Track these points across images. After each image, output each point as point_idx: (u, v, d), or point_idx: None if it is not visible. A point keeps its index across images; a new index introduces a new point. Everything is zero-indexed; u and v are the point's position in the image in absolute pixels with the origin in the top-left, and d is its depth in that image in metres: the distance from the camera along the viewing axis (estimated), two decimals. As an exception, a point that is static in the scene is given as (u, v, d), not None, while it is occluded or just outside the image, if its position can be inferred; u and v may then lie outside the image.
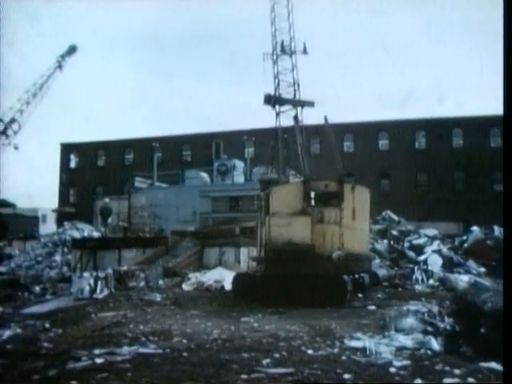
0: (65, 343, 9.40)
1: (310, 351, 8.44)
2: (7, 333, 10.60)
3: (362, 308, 13.69)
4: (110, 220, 34.01)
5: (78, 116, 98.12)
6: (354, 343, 8.83)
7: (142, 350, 8.65)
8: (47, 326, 11.38)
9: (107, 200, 35.87)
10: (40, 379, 7.01)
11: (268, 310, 12.90)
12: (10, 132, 46.61)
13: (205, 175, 40.59)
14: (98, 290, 16.37)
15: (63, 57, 48.53)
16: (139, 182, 41.19)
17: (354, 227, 14.96)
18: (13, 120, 46.57)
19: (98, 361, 7.87)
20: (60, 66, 48.51)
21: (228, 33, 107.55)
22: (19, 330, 10.95)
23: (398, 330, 9.45)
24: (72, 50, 48.92)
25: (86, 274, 17.22)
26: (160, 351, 8.55)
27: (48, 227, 45.54)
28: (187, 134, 55.15)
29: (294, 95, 28.94)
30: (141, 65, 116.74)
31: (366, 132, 51.91)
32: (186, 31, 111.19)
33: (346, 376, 6.89)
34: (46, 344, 9.43)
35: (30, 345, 9.43)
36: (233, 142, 50.01)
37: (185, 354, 8.30)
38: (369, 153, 50.92)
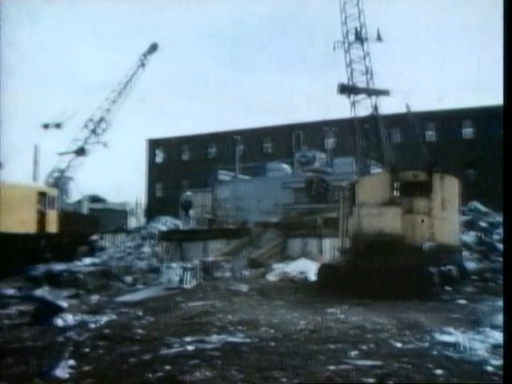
0: (157, 330, 9.79)
1: (398, 344, 8.29)
2: (104, 318, 11.22)
3: (451, 301, 13.24)
4: (191, 212, 34.95)
5: (162, 112, 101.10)
6: (445, 338, 8.56)
7: (231, 338, 8.86)
8: (140, 313, 11.90)
9: (188, 193, 36.86)
10: (136, 362, 7.37)
11: (353, 301, 12.78)
12: (99, 130, 48.89)
13: (286, 167, 40.69)
14: (186, 280, 16.89)
15: (145, 55, 50.10)
16: (222, 175, 41.96)
17: (443, 218, 14.53)
18: (101, 119, 48.80)
19: (189, 348, 8.14)
20: (143, 65, 50.15)
21: (301, 24, 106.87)
22: (114, 317, 11.53)
23: (493, 327, 9.05)
24: (153, 48, 50.40)
25: (174, 265, 17.82)
26: (248, 340, 8.72)
27: (136, 220, 47.42)
28: (268, 127, 55.37)
29: (368, 84, 28.29)
30: (221, 59, 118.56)
31: (448, 120, 49.83)
32: (263, 24, 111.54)
33: (438, 372, 6.70)
34: (139, 330, 9.87)
35: (125, 330, 9.91)
36: (313, 132, 49.71)
37: (272, 344, 8.41)
38: (452, 141, 48.87)
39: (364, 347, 8.03)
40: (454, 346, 8.00)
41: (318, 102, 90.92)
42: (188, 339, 8.67)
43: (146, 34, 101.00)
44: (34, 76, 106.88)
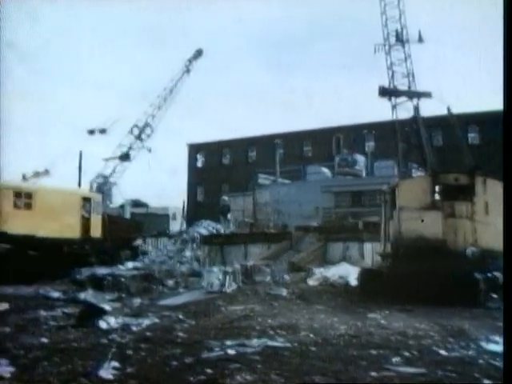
0: (198, 334, 9.88)
1: (442, 352, 8.11)
2: (146, 321, 11.40)
3: (498, 309, 12.87)
4: (229, 216, 35.13)
5: (204, 116, 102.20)
6: (493, 347, 8.31)
7: (271, 343, 8.86)
8: (181, 317, 12.03)
9: (225, 198, 37.08)
10: (178, 365, 7.45)
11: (395, 306, 12.60)
12: (143, 136, 49.66)
13: (326, 170, 40.48)
14: (227, 284, 16.99)
15: (190, 61, 50.62)
16: (263, 179, 42.08)
17: (487, 222, 14.14)
18: (146, 124, 49.54)
19: (230, 352, 8.18)
20: (188, 70, 50.67)
21: (342, 27, 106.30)
22: (156, 320, 11.69)
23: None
24: (198, 53, 50.89)
25: (215, 269, 17.96)
26: (288, 345, 8.71)
27: (178, 225, 47.97)
28: (308, 130, 55.20)
29: (409, 86, 27.90)
30: (262, 63, 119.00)
31: (491, 122, 48.47)
32: (302, 28, 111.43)
33: (486, 382, 6.50)
34: (181, 334, 9.97)
35: (167, 333, 10.04)
36: (353, 136, 49.32)
37: (313, 349, 8.38)
38: (497, 144, 47.43)
39: (407, 354, 7.90)
40: (503, 355, 7.73)
41: (358, 104, 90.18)
42: (229, 343, 8.72)
43: (190, 38, 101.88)
44: (78, 82, 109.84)
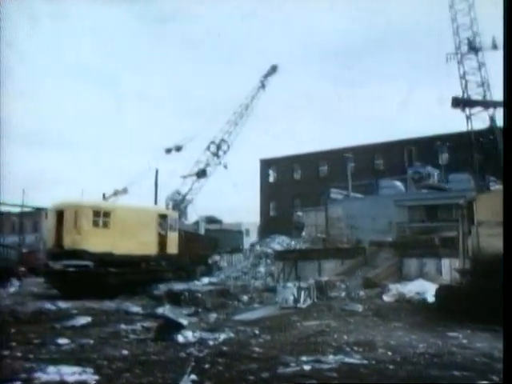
0: (274, 349, 9.91)
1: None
2: (222, 336, 11.56)
3: None
4: (303, 233, 34.97)
5: (275, 131, 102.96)
6: None
7: (347, 359, 8.76)
8: (257, 332, 12.12)
9: (299, 213, 36.94)
10: (254, 380, 7.52)
11: (478, 325, 12.07)
12: (220, 152, 50.53)
13: (399, 184, 39.61)
14: (302, 300, 16.93)
15: (266, 76, 51.23)
16: (334, 193, 41.72)
17: None
18: (222, 141, 50.43)
19: (306, 368, 8.16)
20: (263, 86, 51.28)
21: (411, 36, 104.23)
22: (232, 335, 11.84)
23: None
24: (273, 69, 51.45)
25: (289, 284, 17.93)
26: (365, 362, 8.56)
27: (251, 240, 48.29)
28: (379, 143, 54.37)
29: (484, 96, 26.84)
30: (329, 76, 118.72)
31: None
32: (373, 38, 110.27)
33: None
34: (256, 349, 10.04)
35: (243, 348, 10.14)
36: (425, 148, 48.00)
37: (391, 367, 8.19)
38: None
39: (494, 377, 7.53)
40: None
41: (430, 116, 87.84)
42: (304, 358, 8.70)
43: (263, 52, 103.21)
44: (153, 101, 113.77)
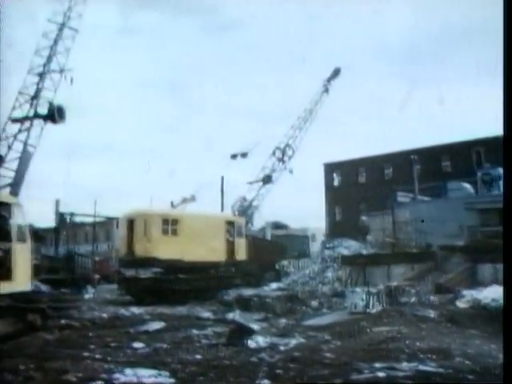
0: (345, 355, 9.83)
1: None
2: (293, 341, 11.60)
3: None
4: (368, 237, 34.40)
5: (340, 135, 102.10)
6: None
7: (422, 367, 8.56)
8: (327, 337, 12.06)
9: (363, 218, 36.35)
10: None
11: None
12: (285, 158, 50.62)
13: (468, 186, 38.28)
14: (371, 305, 16.69)
15: (329, 80, 50.94)
16: (401, 197, 40.80)
17: None
18: (287, 146, 50.52)
19: (380, 374, 8.05)
20: (326, 90, 51.00)
21: (478, 36, 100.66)
22: (303, 340, 11.86)
23: None
24: (336, 72, 51.09)
25: (358, 289, 17.74)
26: (441, 370, 8.33)
27: (317, 245, 48.02)
28: (445, 144, 52.68)
29: None
30: (394, 76, 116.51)
31: None
32: (436, 39, 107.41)
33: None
34: (328, 354, 10.00)
35: (314, 354, 10.12)
36: (495, 148, 46.10)
37: (470, 377, 7.92)
38: None
39: None
40: None
41: (496, 115, 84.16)
42: (378, 365, 8.58)
43: (327, 58, 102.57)
44: (219, 108, 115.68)
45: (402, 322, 14.30)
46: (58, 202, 39.43)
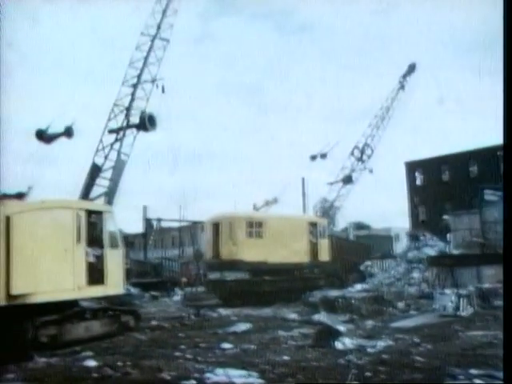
0: (437, 359, 9.52)
1: None
2: (380, 343, 11.40)
3: None
4: (448, 236, 33.21)
5: (419, 132, 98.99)
6: None
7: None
8: (416, 340, 11.76)
9: (445, 217, 35.04)
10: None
11: None
12: (364, 157, 49.98)
13: None
14: (462, 308, 16.09)
15: (404, 77, 49.79)
16: (489, 195, 39.00)
17: None
18: (366, 145, 49.85)
19: (477, 382, 7.74)
20: (402, 87, 49.88)
21: None
22: (391, 342, 11.63)
23: None
24: (412, 68, 49.86)
25: (447, 291, 17.16)
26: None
27: (401, 246, 46.93)
28: (536, 138, 49.64)
29: None
30: (471, 69, 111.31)
31: None
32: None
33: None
34: (418, 358, 9.76)
35: (404, 357, 9.90)
36: None
37: None
38: None
39: None
40: None
41: None
42: (474, 372, 8.26)
43: (402, 54, 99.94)
44: (297, 111, 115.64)
45: (497, 326, 13.65)
46: (145, 208, 41.10)
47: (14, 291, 10.84)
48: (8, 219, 11.08)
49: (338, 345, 11.15)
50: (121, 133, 31.15)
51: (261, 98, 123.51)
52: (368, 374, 8.55)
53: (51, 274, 11.70)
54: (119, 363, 9.87)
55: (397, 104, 50.01)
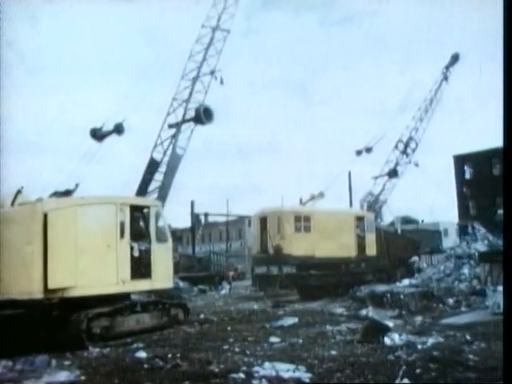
0: (493, 359, 9.13)
1: None
2: (430, 340, 11.19)
3: None
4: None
5: (467, 124, 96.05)
6: None
7: None
8: (468, 337, 11.47)
9: (500, 212, 33.88)
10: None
11: None
12: (409, 151, 49.06)
13: None
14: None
15: (447, 67, 48.53)
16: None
17: None
18: (410, 138, 48.91)
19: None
20: (446, 78, 48.65)
21: None
22: (441, 339, 11.38)
23: None
24: (455, 59, 48.51)
25: (500, 288, 16.66)
26: None
27: (450, 240, 45.93)
28: None
29: None
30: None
31: None
32: None
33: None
34: (471, 356, 9.49)
35: (456, 355, 9.67)
36: None
37: None
38: None
39: None
40: None
41: None
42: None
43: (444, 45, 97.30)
44: (342, 105, 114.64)
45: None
46: (193, 203, 41.56)
47: (51, 285, 11.15)
48: (45, 216, 11.36)
49: (387, 340, 11.02)
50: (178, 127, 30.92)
51: (306, 92, 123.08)
52: (418, 371, 8.41)
53: (92, 268, 11.89)
54: (169, 355, 10.08)
55: (440, 96, 48.84)
